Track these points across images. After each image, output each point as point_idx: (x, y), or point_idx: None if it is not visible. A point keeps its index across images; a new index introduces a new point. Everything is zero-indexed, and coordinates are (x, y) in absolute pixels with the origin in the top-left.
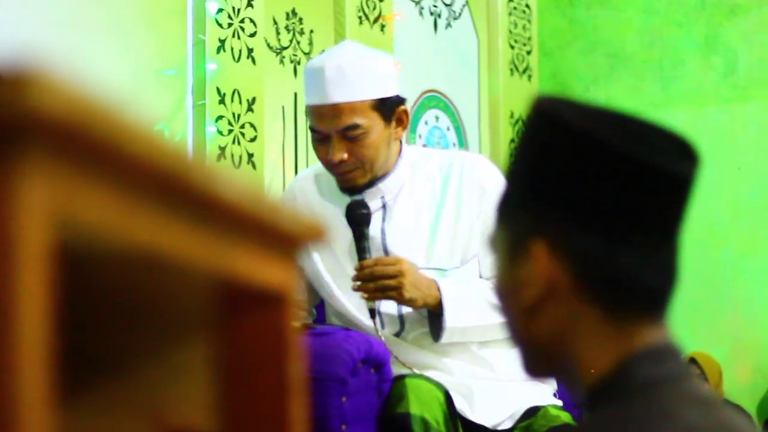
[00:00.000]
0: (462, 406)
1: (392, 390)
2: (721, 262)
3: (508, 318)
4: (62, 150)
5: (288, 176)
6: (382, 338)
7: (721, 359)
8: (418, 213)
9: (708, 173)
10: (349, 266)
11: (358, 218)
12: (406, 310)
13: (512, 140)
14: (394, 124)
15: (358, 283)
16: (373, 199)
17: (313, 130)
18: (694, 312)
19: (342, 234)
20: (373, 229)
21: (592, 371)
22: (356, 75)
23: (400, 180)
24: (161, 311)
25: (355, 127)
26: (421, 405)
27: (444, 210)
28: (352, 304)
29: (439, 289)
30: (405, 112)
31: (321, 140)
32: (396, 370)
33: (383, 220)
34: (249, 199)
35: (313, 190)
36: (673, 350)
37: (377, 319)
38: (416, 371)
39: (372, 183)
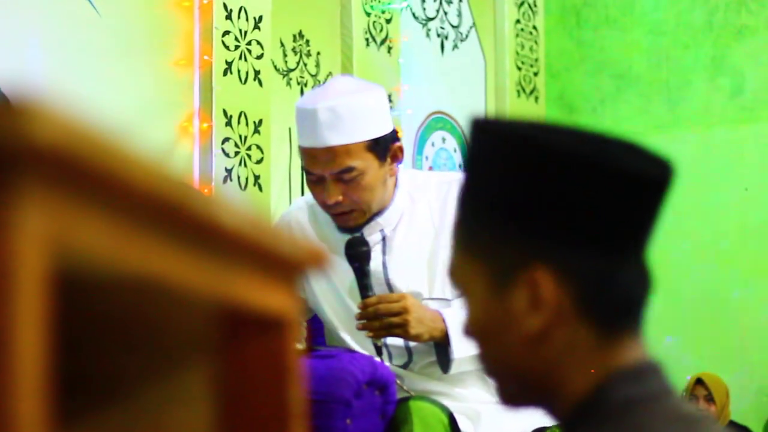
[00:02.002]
0: (467, 428)
1: (396, 412)
2: (728, 282)
3: (494, 350)
4: (60, 178)
5: (295, 198)
6: (392, 365)
7: (728, 380)
8: (419, 242)
9: (715, 194)
10: (351, 302)
11: (358, 256)
12: (413, 343)
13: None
14: (389, 161)
15: (363, 321)
16: (372, 234)
17: (307, 171)
18: (701, 332)
19: (341, 268)
20: (374, 264)
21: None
22: (350, 116)
23: (398, 211)
24: (162, 337)
25: (350, 170)
26: (425, 427)
27: (442, 235)
28: (355, 341)
29: (444, 321)
30: (400, 148)
31: (315, 181)
32: (400, 392)
33: (383, 253)
34: (249, 225)
35: (309, 221)
36: (653, 367)
37: (384, 352)
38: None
39: (369, 220)
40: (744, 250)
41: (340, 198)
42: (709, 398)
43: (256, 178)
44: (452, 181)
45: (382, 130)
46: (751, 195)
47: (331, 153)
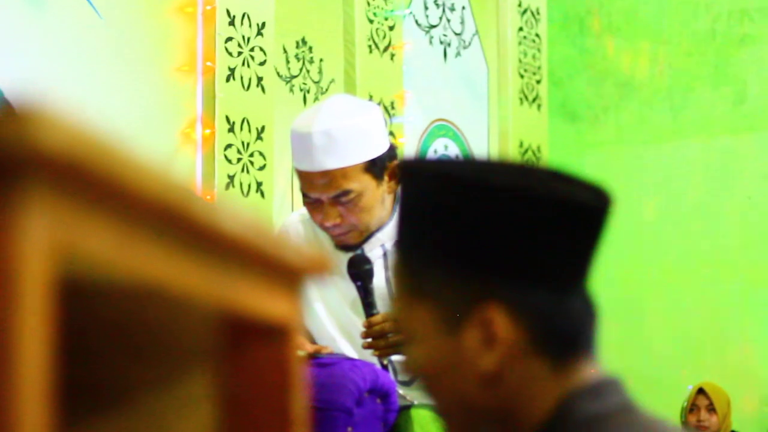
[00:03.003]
0: None
1: (398, 420)
2: (729, 291)
3: (446, 391)
4: (64, 184)
5: (297, 205)
6: (397, 380)
7: (729, 390)
8: None
9: (718, 202)
10: (354, 319)
11: (362, 275)
12: None
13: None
14: (386, 179)
15: (369, 340)
16: (372, 249)
17: (303, 194)
18: (702, 342)
19: (342, 284)
20: (377, 280)
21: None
22: (345, 139)
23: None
24: (164, 343)
25: (348, 192)
26: None
27: None
28: (360, 356)
29: None
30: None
31: (312, 203)
32: (402, 400)
33: (386, 268)
34: (252, 231)
35: (307, 236)
36: (613, 384)
37: (390, 369)
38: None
39: (369, 237)
40: (746, 259)
41: (338, 220)
42: (711, 408)
43: (259, 184)
44: None
45: (378, 151)
46: (753, 203)
47: (328, 176)
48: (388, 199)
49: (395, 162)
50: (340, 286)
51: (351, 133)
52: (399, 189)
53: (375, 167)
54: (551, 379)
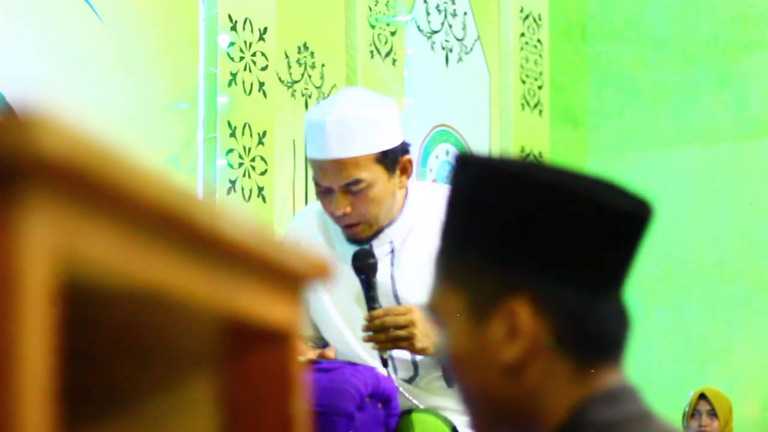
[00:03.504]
0: None
1: (399, 425)
2: (732, 297)
3: (471, 380)
4: (66, 189)
5: (298, 209)
6: (397, 383)
7: (731, 395)
8: (428, 255)
9: (720, 209)
10: (358, 312)
11: (365, 268)
12: (420, 356)
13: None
14: (398, 173)
15: (370, 333)
16: (380, 246)
17: (315, 182)
18: (704, 347)
19: (349, 277)
20: (382, 276)
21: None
22: (358, 128)
23: (407, 224)
24: (165, 348)
25: (359, 182)
26: None
27: None
28: (363, 349)
29: None
30: (410, 161)
31: (324, 192)
32: (403, 404)
33: (392, 265)
34: (254, 236)
35: (319, 229)
36: (629, 391)
37: (390, 365)
38: (422, 406)
39: (378, 232)
40: (749, 265)
41: (349, 209)
42: (713, 413)
43: (260, 189)
44: None
45: (391, 143)
46: (755, 210)
47: (340, 165)
48: (399, 195)
49: (408, 157)
50: (347, 279)
51: (365, 123)
52: (451, 180)
53: (387, 159)
54: (572, 380)
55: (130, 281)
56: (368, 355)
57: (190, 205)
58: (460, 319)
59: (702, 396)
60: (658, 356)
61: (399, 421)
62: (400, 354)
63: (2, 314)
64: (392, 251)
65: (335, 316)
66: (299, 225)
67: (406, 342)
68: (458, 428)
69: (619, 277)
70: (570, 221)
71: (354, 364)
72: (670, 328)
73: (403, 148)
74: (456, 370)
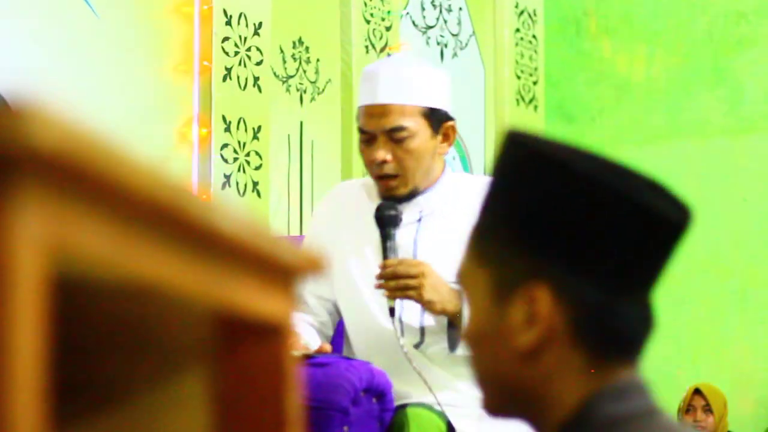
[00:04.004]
0: (468, 429)
1: (394, 420)
2: (725, 292)
3: (485, 357)
4: (58, 182)
5: (293, 205)
6: (403, 347)
7: (725, 390)
8: (453, 233)
9: (713, 204)
10: (375, 266)
11: (385, 219)
12: (428, 321)
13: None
14: (440, 138)
15: (381, 281)
16: (409, 212)
17: (360, 130)
18: (698, 343)
19: (374, 236)
20: (405, 239)
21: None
22: (410, 80)
23: (440, 198)
24: (159, 342)
25: (402, 129)
26: None
27: None
28: (374, 299)
29: (460, 299)
30: (453, 128)
31: (367, 141)
32: (397, 399)
33: (416, 231)
34: (247, 230)
35: (358, 196)
36: (639, 387)
37: (396, 323)
38: (416, 400)
39: (412, 195)
40: (742, 260)
41: (389, 157)
42: (707, 409)
43: (255, 184)
44: None
45: (439, 103)
46: (749, 205)
47: (387, 110)
48: (438, 165)
49: (452, 123)
50: (371, 237)
51: (416, 76)
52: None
53: (432, 117)
54: (585, 373)
55: (123, 275)
56: (377, 305)
57: (183, 198)
58: (483, 297)
59: (697, 391)
60: (653, 351)
61: (393, 415)
62: (409, 319)
63: None
64: (419, 220)
65: (354, 269)
66: (337, 193)
67: (415, 291)
68: (455, 420)
69: (647, 279)
70: (606, 217)
71: (348, 359)
72: (664, 323)
73: (449, 115)
74: (472, 346)
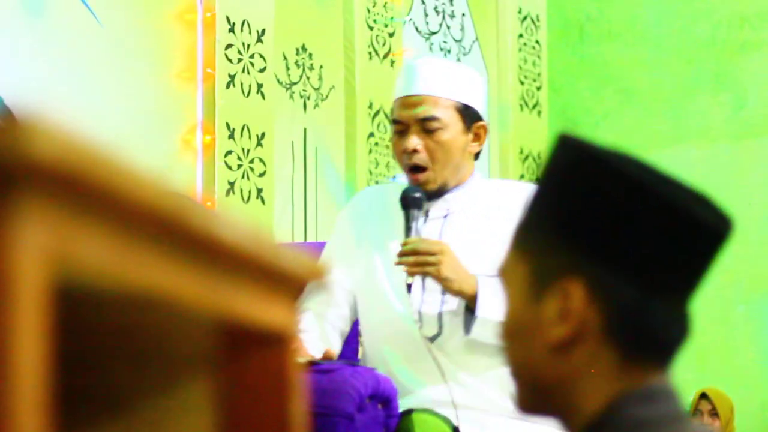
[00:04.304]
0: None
1: (399, 425)
2: (732, 297)
3: (518, 351)
4: (60, 193)
5: (297, 212)
6: (422, 335)
7: (732, 395)
8: (478, 233)
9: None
10: (395, 249)
11: (409, 201)
12: (446, 308)
13: (522, 175)
14: (471, 136)
15: (402, 258)
16: (437, 208)
17: (394, 121)
18: (705, 348)
19: (401, 236)
20: (431, 234)
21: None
22: (447, 75)
23: (468, 198)
24: (163, 351)
25: (435, 119)
26: None
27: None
28: (387, 279)
29: (477, 282)
30: (485, 128)
31: (400, 132)
32: (402, 404)
33: (442, 227)
34: (250, 239)
35: (385, 195)
36: (667, 392)
37: (417, 321)
38: (425, 397)
39: (441, 192)
40: (748, 265)
41: (420, 147)
42: (714, 413)
43: (259, 191)
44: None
45: (473, 101)
46: (754, 210)
47: (422, 100)
48: (469, 162)
49: (484, 123)
50: (396, 226)
51: (454, 72)
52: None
53: (466, 114)
54: (614, 372)
55: (126, 285)
56: (389, 285)
57: (185, 208)
58: (521, 291)
59: (703, 395)
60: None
61: (399, 420)
62: (428, 309)
63: None
64: (446, 216)
65: (377, 262)
66: (361, 196)
67: (434, 268)
68: (461, 424)
69: (685, 286)
70: (649, 221)
71: (354, 366)
72: None
73: (481, 116)
74: (507, 340)
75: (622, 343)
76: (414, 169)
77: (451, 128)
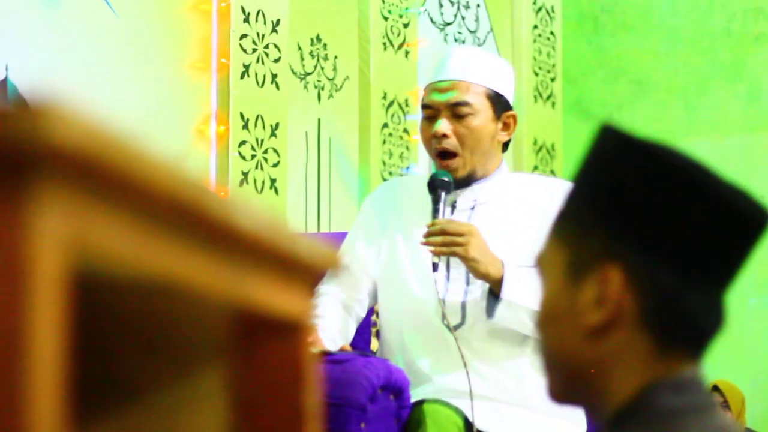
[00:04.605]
0: (487, 425)
1: (411, 416)
2: (744, 289)
3: (554, 337)
4: (78, 179)
5: (310, 203)
6: (447, 323)
7: (744, 388)
8: (505, 225)
9: None
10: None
11: (437, 183)
12: (470, 298)
13: (536, 167)
14: (500, 125)
15: (429, 239)
16: (464, 199)
17: (424, 106)
18: (717, 341)
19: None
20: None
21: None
22: (480, 62)
23: (495, 189)
24: (178, 339)
25: (466, 104)
26: (439, 430)
27: (531, 236)
28: (409, 262)
29: (504, 266)
30: (514, 118)
31: (429, 118)
32: (418, 393)
33: (469, 218)
34: (266, 228)
35: (411, 184)
36: (696, 382)
37: (439, 310)
38: (437, 396)
39: (469, 180)
40: (760, 258)
41: (449, 131)
42: (725, 405)
43: (273, 181)
44: (562, 188)
45: (504, 90)
46: (767, 202)
47: (453, 85)
48: (497, 152)
49: (513, 113)
50: (423, 224)
51: (487, 60)
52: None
53: (497, 102)
54: (647, 360)
55: (143, 272)
56: (413, 273)
57: (203, 195)
58: (559, 277)
59: (715, 388)
60: None
61: (411, 411)
62: (452, 297)
63: (14, 304)
64: (473, 208)
65: (401, 249)
66: (386, 185)
67: (461, 248)
68: (475, 414)
69: (721, 276)
70: (690, 209)
71: (366, 356)
72: None
73: (510, 105)
74: (542, 327)
75: (657, 331)
76: (443, 155)
77: (482, 115)
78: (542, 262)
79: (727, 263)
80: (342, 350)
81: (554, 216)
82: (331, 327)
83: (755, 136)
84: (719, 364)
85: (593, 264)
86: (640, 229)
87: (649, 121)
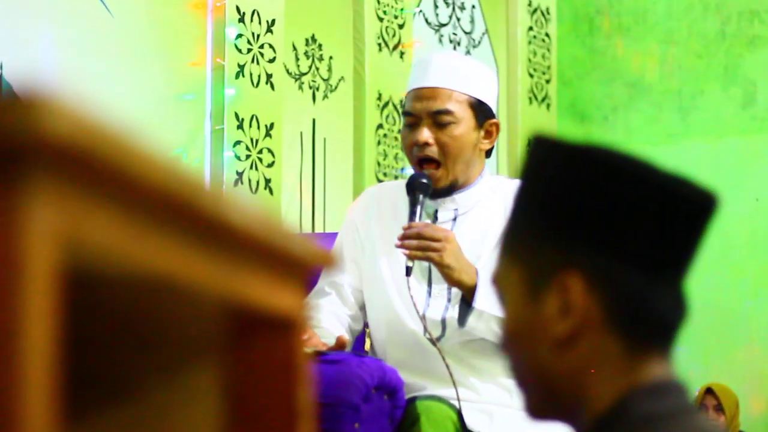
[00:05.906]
0: (480, 424)
1: (405, 414)
2: (738, 292)
3: (523, 355)
4: (71, 172)
5: (305, 202)
6: (429, 338)
7: (737, 391)
8: (486, 235)
9: (725, 204)
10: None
11: (416, 185)
12: (450, 314)
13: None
14: (483, 133)
15: (404, 242)
16: (445, 211)
17: (405, 114)
18: (710, 343)
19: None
20: None
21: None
22: (461, 69)
23: (476, 197)
24: (171, 335)
25: (447, 112)
26: (433, 425)
27: None
28: (389, 266)
29: (476, 276)
30: (497, 126)
31: (411, 125)
32: (408, 391)
33: (451, 230)
34: (259, 224)
35: (393, 194)
36: (676, 385)
37: (419, 323)
38: (429, 392)
39: (451, 190)
40: (754, 261)
41: (431, 140)
42: (719, 408)
43: (267, 181)
44: None
45: (486, 97)
46: (761, 205)
47: (435, 93)
48: (479, 160)
49: (496, 121)
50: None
51: (468, 67)
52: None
53: (479, 110)
54: (620, 363)
55: (135, 267)
56: (394, 286)
57: (196, 190)
58: (518, 294)
59: (708, 391)
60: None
61: (406, 407)
62: (432, 313)
63: (6, 298)
64: (454, 219)
65: (383, 263)
66: (368, 194)
67: (436, 254)
68: (469, 412)
69: (678, 266)
70: (632, 204)
71: (360, 356)
72: None
73: (493, 114)
74: (509, 347)
75: (625, 331)
76: (423, 162)
77: (464, 123)
78: (499, 282)
79: (682, 251)
80: (339, 343)
81: (502, 235)
82: (326, 325)
83: (750, 138)
84: (713, 366)
85: (551, 275)
86: (590, 233)
87: (643, 124)
